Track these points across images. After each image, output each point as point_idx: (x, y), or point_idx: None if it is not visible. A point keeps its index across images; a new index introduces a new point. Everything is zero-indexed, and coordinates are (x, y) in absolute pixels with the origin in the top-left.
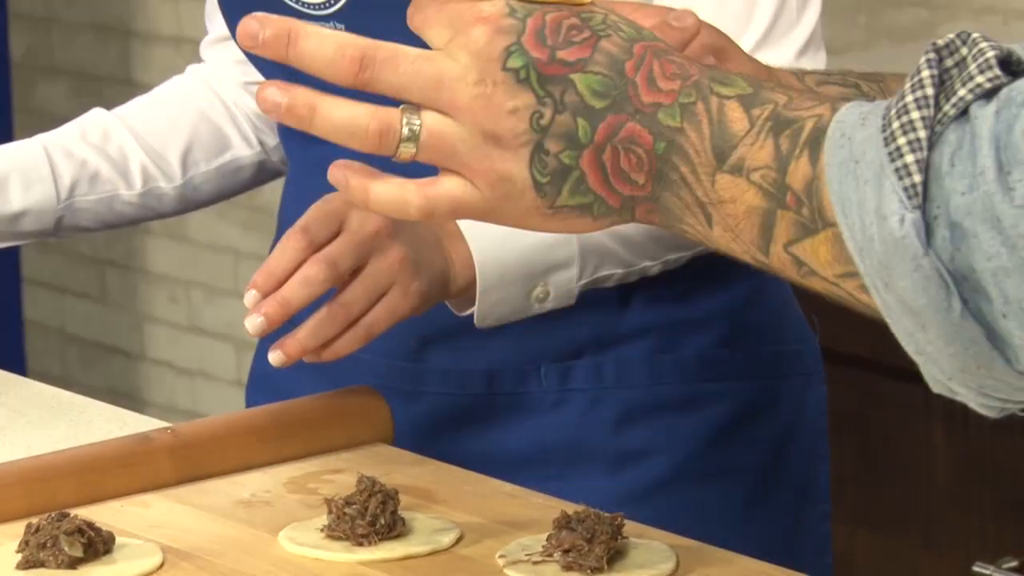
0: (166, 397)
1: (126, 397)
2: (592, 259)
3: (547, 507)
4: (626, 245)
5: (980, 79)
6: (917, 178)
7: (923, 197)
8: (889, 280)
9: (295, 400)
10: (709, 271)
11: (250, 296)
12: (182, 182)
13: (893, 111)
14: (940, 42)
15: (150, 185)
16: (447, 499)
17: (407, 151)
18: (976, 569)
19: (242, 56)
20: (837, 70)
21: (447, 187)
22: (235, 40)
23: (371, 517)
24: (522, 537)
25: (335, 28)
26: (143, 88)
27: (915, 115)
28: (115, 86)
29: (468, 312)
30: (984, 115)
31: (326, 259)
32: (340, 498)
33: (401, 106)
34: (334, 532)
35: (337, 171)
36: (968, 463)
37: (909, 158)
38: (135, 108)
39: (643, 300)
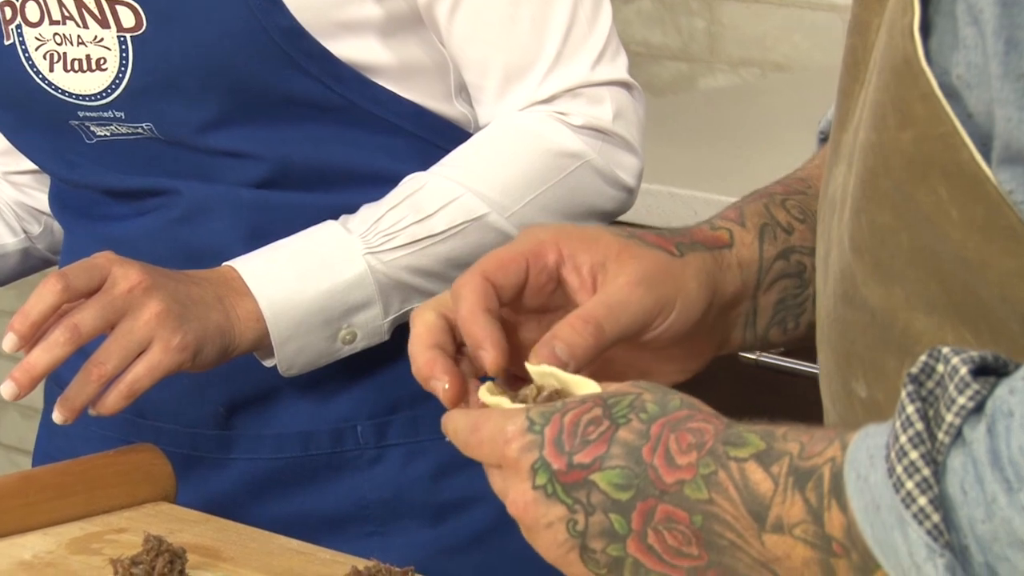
0: None
1: None
2: (395, 295)
3: (335, 562)
4: (427, 277)
5: (962, 400)
6: (936, 518)
7: (948, 530)
8: None
9: (75, 459)
10: None
11: (8, 339)
12: None
13: (893, 454)
14: (914, 369)
15: None
16: (234, 556)
17: None
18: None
19: (5, 146)
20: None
21: None
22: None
23: None
24: None
25: (114, 116)
26: None
27: (914, 455)
28: None
29: (273, 363)
30: (977, 437)
31: (68, 323)
32: (126, 558)
33: None
34: None
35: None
36: None
37: (922, 500)
38: None
39: None
